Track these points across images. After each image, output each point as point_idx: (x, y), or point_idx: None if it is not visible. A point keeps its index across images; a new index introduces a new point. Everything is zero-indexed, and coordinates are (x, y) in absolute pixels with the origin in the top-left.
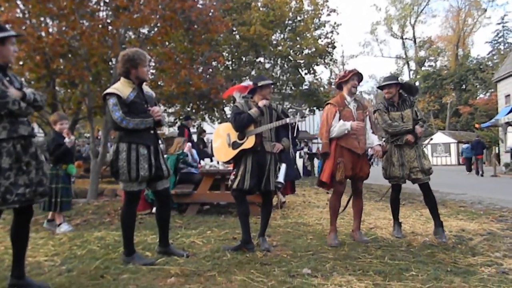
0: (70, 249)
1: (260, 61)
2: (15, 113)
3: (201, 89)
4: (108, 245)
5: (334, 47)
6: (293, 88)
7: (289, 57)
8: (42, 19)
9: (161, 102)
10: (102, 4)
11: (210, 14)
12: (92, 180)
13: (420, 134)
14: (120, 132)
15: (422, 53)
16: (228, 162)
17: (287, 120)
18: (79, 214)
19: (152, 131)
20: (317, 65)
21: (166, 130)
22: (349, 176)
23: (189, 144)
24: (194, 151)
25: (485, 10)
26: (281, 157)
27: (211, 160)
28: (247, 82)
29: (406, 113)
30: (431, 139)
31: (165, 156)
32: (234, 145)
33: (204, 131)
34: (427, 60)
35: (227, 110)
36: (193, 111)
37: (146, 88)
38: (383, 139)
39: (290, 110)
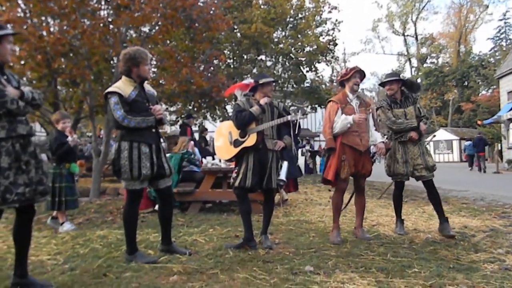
0: (72, 248)
1: (261, 59)
2: (13, 112)
3: (202, 88)
4: (110, 244)
5: (335, 45)
6: (294, 85)
7: (291, 54)
8: (43, 18)
9: (162, 100)
10: (103, 3)
11: (211, 12)
12: (94, 179)
13: (424, 131)
14: (121, 131)
15: (424, 50)
16: (230, 160)
17: (289, 117)
18: (81, 213)
19: (153, 130)
20: (319, 62)
21: (168, 129)
22: (352, 174)
23: (191, 142)
24: (196, 150)
25: (487, 7)
26: (283, 154)
27: (213, 158)
28: (249, 80)
29: (409, 110)
30: (434, 136)
31: (169, 155)
32: (236, 143)
33: (206, 129)
34: (429, 57)
35: (229, 108)
36: (195, 109)
37: (147, 86)
38: (385, 136)
39: (292, 108)
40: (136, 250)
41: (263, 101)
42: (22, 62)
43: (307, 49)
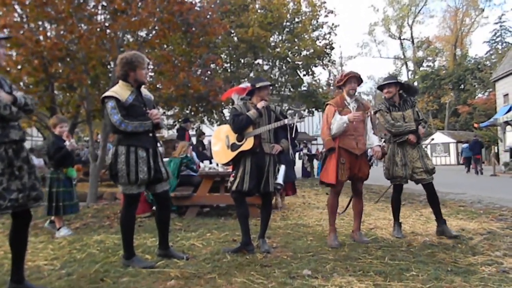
0: (69, 253)
1: (258, 63)
2: (6, 118)
3: (199, 92)
4: (107, 249)
5: (332, 48)
6: (291, 89)
7: (287, 58)
8: (40, 23)
9: (159, 104)
10: (100, 7)
11: (208, 16)
12: (91, 184)
13: (422, 135)
14: (118, 135)
15: (420, 54)
16: (227, 164)
17: (286, 121)
18: (78, 217)
19: (150, 134)
20: (316, 66)
21: (165, 133)
22: (348, 177)
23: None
24: (193, 154)
25: (483, 10)
26: (280, 158)
27: (211, 162)
28: (245, 84)
29: (407, 113)
30: (433, 139)
31: (169, 159)
32: (233, 147)
33: (203, 133)
34: (425, 60)
35: (226, 112)
36: (192, 113)
37: (144, 91)
38: (383, 139)
39: (289, 111)
40: (133, 255)
41: (260, 105)
42: (19, 67)
43: (304, 53)
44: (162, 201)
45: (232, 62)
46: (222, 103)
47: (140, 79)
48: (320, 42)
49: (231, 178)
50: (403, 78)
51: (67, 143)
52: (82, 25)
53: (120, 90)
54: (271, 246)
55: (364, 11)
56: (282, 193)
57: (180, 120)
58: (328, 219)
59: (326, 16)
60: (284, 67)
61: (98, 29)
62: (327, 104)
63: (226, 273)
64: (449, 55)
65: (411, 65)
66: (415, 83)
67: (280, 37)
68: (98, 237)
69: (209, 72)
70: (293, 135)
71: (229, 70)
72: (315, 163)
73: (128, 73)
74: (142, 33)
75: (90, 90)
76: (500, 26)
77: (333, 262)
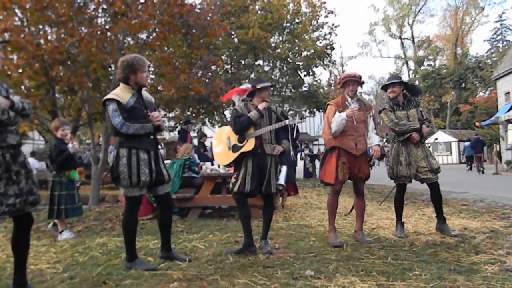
0: (72, 256)
1: (259, 64)
2: (3, 123)
3: (200, 93)
4: (110, 251)
5: (332, 49)
6: (292, 90)
7: (288, 59)
8: (40, 26)
9: (160, 107)
10: (100, 10)
11: (208, 18)
12: (93, 187)
13: (426, 134)
14: (120, 138)
15: (420, 53)
16: (228, 166)
17: (287, 121)
18: (80, 220)
19: (152, 136)
20: (316, 66)
21: (166, 135)
22: (349, 177)
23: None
24: (195, 155)
25: (483, 9)
26: (282, 159)
27: (212, 164)
28: (246, 85)
29: (411, 113)
30: (436, 138)
31: (172, 161)
32: (234, 148)
33: (205, 135)
34: (426, 60)
35: (227, 114)
36: (193, 115)
37: (145, 93)
38: (384, 139)
39: (290, 112)
40: (135, 257)
41: (261, 106)
42: (20, 71)
43: (304, 53)
44: (164, 203)
45: (232, 64)
46: (223, 105)
47: (141, 82)
48: (320, 43)
49: (233, 180)
50: (404, 77)
51: (69, 145)
52: (83, 28)
53: (121, 93)
54: (274, 247)
55: (364, 11)
56: (284, 193)
57: (181, 122)
58: (328, 218)
59: (326, 16)
60: (284, 67)
61: (99, 32)
62: (328, 104)
63: (229, 275)
64: (450, 54)
65: (412, 64)
66: (416, 82)
67: (280, 38)
68: (100, 240)
69: (209, 74)
70: (294, 136)
71: (229, 72)
72: (317, 163)
73: (129, 76)
74: (143, 36)
75: (91, 93)
76: (501, 24)
77: (336, 262)
